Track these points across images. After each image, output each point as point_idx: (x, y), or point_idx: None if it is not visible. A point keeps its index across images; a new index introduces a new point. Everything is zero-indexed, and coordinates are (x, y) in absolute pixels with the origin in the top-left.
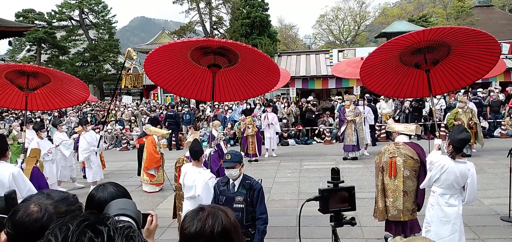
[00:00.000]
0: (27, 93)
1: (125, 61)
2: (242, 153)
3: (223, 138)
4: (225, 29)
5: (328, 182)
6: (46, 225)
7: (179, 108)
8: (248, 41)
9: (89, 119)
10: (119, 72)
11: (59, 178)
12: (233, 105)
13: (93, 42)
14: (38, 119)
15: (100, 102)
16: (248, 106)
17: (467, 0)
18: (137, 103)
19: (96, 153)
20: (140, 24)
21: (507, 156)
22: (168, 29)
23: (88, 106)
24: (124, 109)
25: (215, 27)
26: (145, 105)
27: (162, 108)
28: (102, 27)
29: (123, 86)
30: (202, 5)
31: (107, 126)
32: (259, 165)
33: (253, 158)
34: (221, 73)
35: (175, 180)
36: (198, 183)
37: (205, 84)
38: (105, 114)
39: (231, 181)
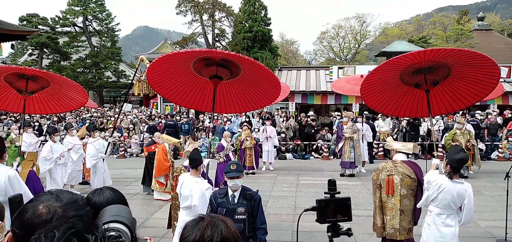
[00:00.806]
0: (26, 96)
1: (137, 69)
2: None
3: (232, 149)
4: (227, 42)
5: (325, 193)
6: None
7: (178, 117)
8: (250, 54)
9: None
10: (131, 79)
11: (67, 181)
12: (232, 117)
13: (95, 49)
14: (36, 123)
15: (100, 109)
16: (247, 119)
17: (466, 24)
18: (136, 111)
19: (103, 159)
20: (143, 33)
21: (504, 179)
22: (170, 39)
23: (87, 112)
24: (124, 117)
25: (217, 39)
26: (144, 113)
27: (161, 117)
28: (105, 35)
29: (136, 94)
30: (205, 17)
31: (105, 132)
32: (256, 178)
33: (250, 171)
34: (222, 84)
35: (172, 189)
36: (195, 193)
37: (206, 95)
38: (115, 121)
39: (230, 193)
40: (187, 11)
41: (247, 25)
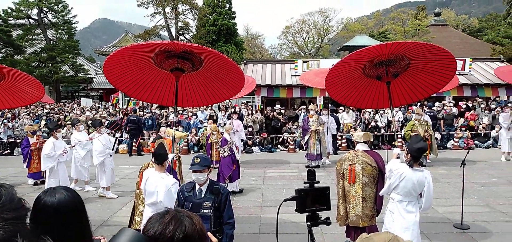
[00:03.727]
0: None
1: None
2: None
3: (235, 142)
4: (191, 35)
5: (304, 182)
6: None
7: (141, 113)
8: (215, 48)
9: (44, 122)
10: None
11: (76, 175)
12: (197, 111)
13: (51, 42)
14: None
15: (57, 105)
16: (213, 112)
17: (424, 19)
18: (98, 107)
19: (110, 156)
20: (102, 26)
21: (460, 167)
22: (132, 32)
23: (42, 108)
24: (82, 113)
25: (181, 32)
26: (105, 109)
27: (123, 112)
28: (62, 27)
29: None
30: (168, 9)
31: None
32: None
33: (217, 165)
34: (185, 77)
35: (137, 186)
36: (160, 189)
37: (168, 89)
38: (121, 117)
39: (197, 187)
40: (149, 3)
41: (212, 18)
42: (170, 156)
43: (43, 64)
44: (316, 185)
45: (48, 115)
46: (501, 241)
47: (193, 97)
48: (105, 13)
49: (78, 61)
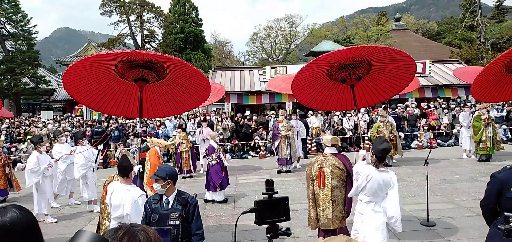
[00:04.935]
0: None
1: None
2: (176, 169)
3: (221, 150)
4: (157, 43)
5: (262, 193)
6: None
7: (106, 124)
8: (182, 55)
9: (3, 137)
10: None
11: (57, 191)
12: (165, 120)
13: (10, 53)
14: None
15: (16, 118)
16: (182, 120)
17: (385, 24)
18: (59, 119)
19: (93, 169)
20: (64, 35)
21: (424, 165)
22: (95, 41)
23: (1, 123)
24: (43, 127)
25: (146, 40)
26: (68, 121)
27: (88, 124)
28: (21, 38)
29: None
30: (132, 17)
31: (24, 144)
32: (193, 181)
33: (187, 174)
34: (150, 88)
35: (101, 201)
36: (127, 202)
37: (132, 100)
38: (106, 129)
39: (164, 198)
40: (112, 11)
41: (178, 26)
42: (136, 167)
43: (2, 77)
44: (275, 195)
45: (8, 129)
46: (466, 235)
47: (158, 107)
48: (66, 22)
49: (39, 73)
